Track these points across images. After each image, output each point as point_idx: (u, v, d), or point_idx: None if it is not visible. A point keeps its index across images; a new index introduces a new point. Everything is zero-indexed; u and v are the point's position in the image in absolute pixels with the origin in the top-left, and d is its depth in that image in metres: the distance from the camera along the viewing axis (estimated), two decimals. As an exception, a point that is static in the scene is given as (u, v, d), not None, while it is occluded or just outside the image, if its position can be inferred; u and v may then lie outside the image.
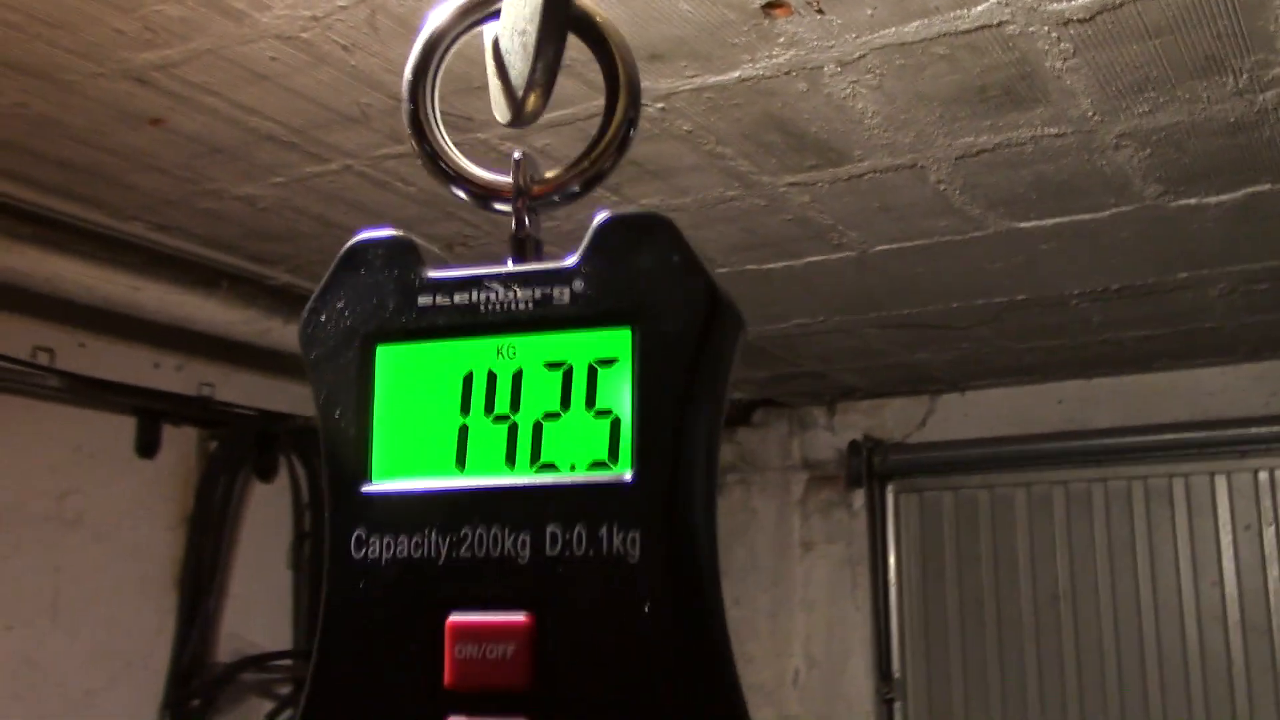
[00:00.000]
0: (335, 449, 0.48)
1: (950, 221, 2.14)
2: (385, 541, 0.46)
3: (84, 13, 1.43)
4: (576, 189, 0.51)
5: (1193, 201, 2.05)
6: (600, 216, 0.46)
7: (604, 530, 0.43)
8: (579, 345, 0.46)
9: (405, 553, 0.45)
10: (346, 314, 0.49)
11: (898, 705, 3.50)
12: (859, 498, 3.66)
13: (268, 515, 2.99)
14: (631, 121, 0.51)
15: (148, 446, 2.71)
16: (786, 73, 1.59)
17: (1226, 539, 3.18)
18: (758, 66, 1.57)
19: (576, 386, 0.46)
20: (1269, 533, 3.13)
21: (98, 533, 2.61)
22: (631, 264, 0.45)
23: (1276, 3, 1.40)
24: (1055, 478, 3.40)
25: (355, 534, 0.46)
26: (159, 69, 1.58)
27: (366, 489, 0.47)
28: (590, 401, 0.45)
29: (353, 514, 0.47)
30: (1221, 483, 3.21)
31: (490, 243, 2.25)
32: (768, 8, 1.43)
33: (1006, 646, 3.40)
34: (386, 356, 0.49)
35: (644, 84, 1.62)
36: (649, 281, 0.45)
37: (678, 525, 0.43)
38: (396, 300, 0.48)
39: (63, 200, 2.07)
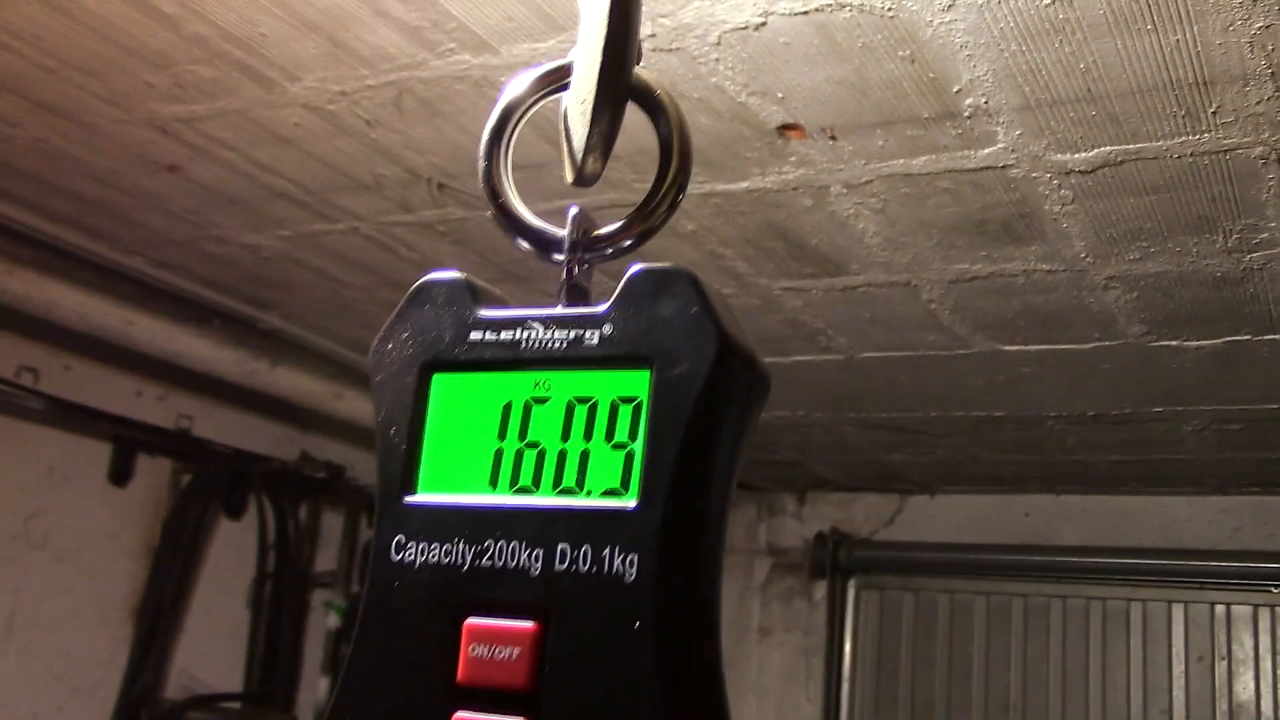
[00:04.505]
0: (388, 463, 0.53)
1: (937, 338, 2.19)
2: (420, 547, 0.50)
3: (119, 65, 1.46)
4: (626, 244, 0.55)
5: (1174, 343, 2.10)
6: (632, 268, 0.51)
7: (607, 551, 0.47)
8: (604, 383, 0.50)
9: (436, 558, 0.50)
10: (409, 344, 0.54)
11: (840, 802, 3.49)
12: (821, 589, 3.67)
13: (232, 554, 2.98)
14: (681, 185, 0.56)
15: (121, 474, 2.71)
16: (794, 189, 1.63)
17: (1179, 668, 3.21)
18: (766, 180, 1.61)
19: (599, 420, 0.50)
20: (1221, 666, 3.16)
21: (61, 556, 2.60)
22: (654, 312, 0.49)
23: (1269, 175, 1.45)
24: (1016, 589, 3.43)
25: (396, 539, 0.51)
26: (183, 121, 1.61)
27: (410, 500, 0.52)
28: (610, 434, 0.49)
29: (396, 521, 0.51)
30: (1179, 612, 3.24)
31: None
32: (783, 129, 1.47)
33: (953, 753, 3.41)
34: (440, 384, 0.53)
35: (655, 185, 1.66)
36: (668, 328, 0.49)
37: (672, 552, 0.46)
38: (452, 334, 0.53)
39: (69, 230, 2.09)
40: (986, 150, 1.47)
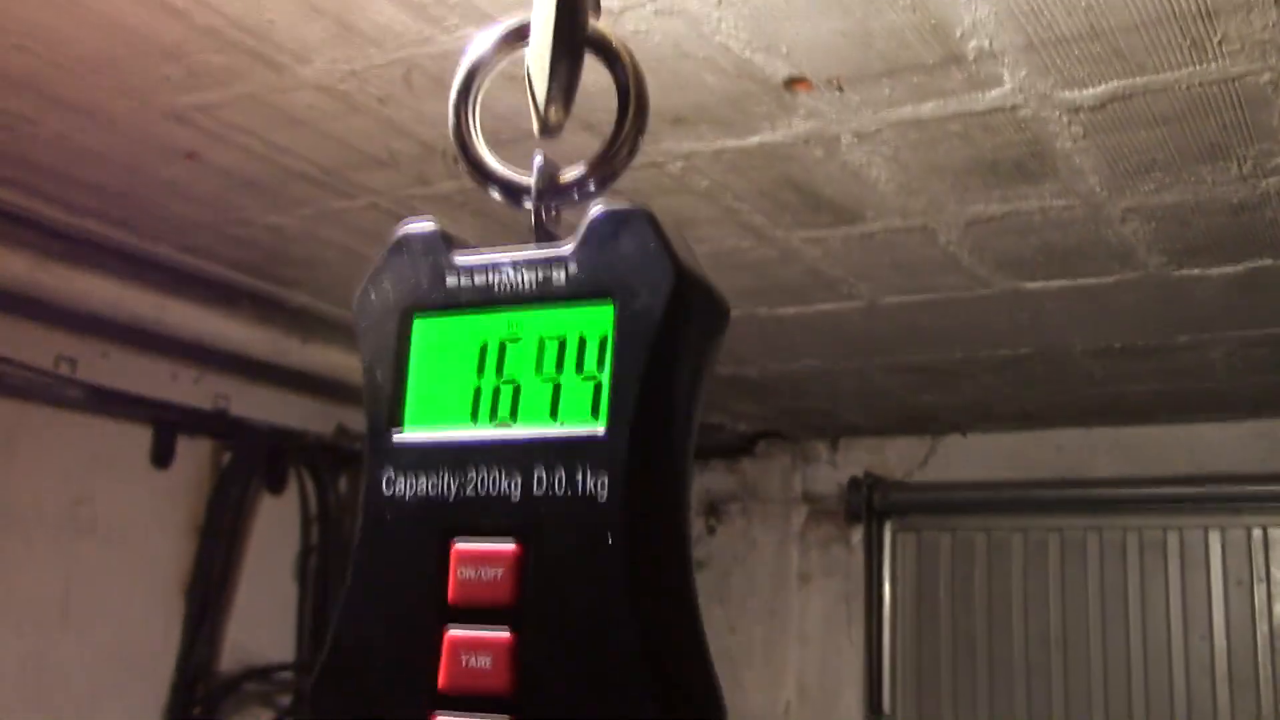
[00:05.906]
0: (375, 403, 0.57)
1: (958, 279, 2.19)
2: (408, 480, 0.54)
3: (133, 59, 1.49)
4: (590, 189, 0.58)
5: (1195, 272, 2.09)
6: (594, 209, 0.54)
7: (580, 474, 0.50)
8: (572, 319, 0.54)
9: (424, 490, 0.53)
10: (390, 292, 0.57)
11: (887, 741, 3.54)
12: (857, 533, 3.70)
13: (276, 528, 3.04)
14: (639, 129, 0.58)
15: (163, 457, 2.76)
16: (805, 141, 1.64)
17: (1218, 593, 3.22)
18: (777, 134, 1.62)
19: (569, 354, 0.53)
20: (1260, 589, 3.17)
21: (109, 539, 2.66)
22: (616, 249, 0.53)
23: (1279, 101, 1.45)
24: (1052, 524, 3.45)
25: (386, 474, 0.55)
26: (199, 110, 1.63)
27: (397, 437, 0.55)
28: (580, 367, 0.53)
29: (385, 458, 0.55)
30: (1215, 537, 3.25)
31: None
32: (790, 83, 1.48)
33: (997, 688, 3.44)
34: (420, 327, 0.57)
35: (666, 145, 1.67)
36: (629, 264, 0.52)
37: (639, 470, 0.50)
38: (430, 280, 0.57)
39: (95, 222, 2.12)
40: (994, 92, 1.47)
